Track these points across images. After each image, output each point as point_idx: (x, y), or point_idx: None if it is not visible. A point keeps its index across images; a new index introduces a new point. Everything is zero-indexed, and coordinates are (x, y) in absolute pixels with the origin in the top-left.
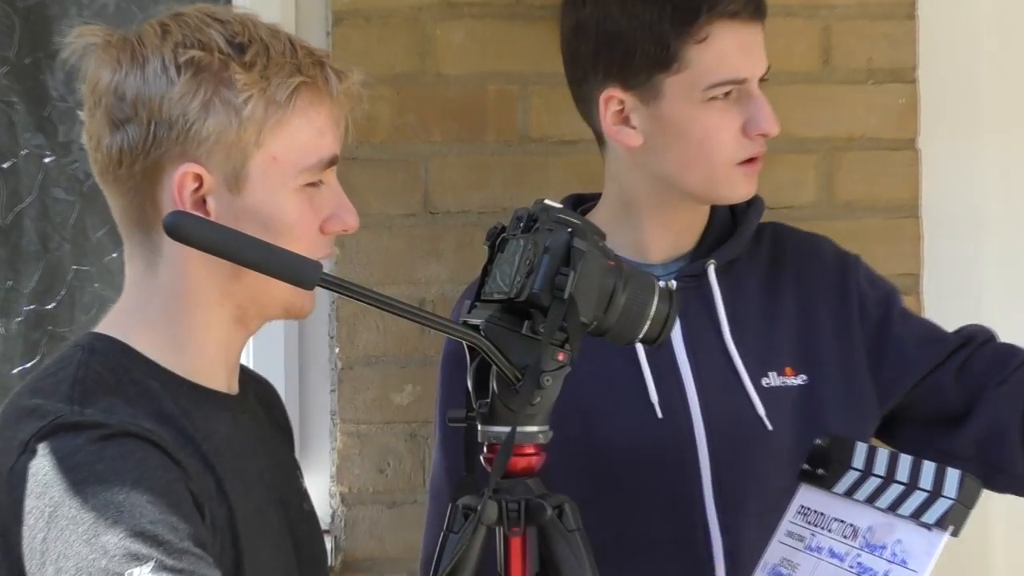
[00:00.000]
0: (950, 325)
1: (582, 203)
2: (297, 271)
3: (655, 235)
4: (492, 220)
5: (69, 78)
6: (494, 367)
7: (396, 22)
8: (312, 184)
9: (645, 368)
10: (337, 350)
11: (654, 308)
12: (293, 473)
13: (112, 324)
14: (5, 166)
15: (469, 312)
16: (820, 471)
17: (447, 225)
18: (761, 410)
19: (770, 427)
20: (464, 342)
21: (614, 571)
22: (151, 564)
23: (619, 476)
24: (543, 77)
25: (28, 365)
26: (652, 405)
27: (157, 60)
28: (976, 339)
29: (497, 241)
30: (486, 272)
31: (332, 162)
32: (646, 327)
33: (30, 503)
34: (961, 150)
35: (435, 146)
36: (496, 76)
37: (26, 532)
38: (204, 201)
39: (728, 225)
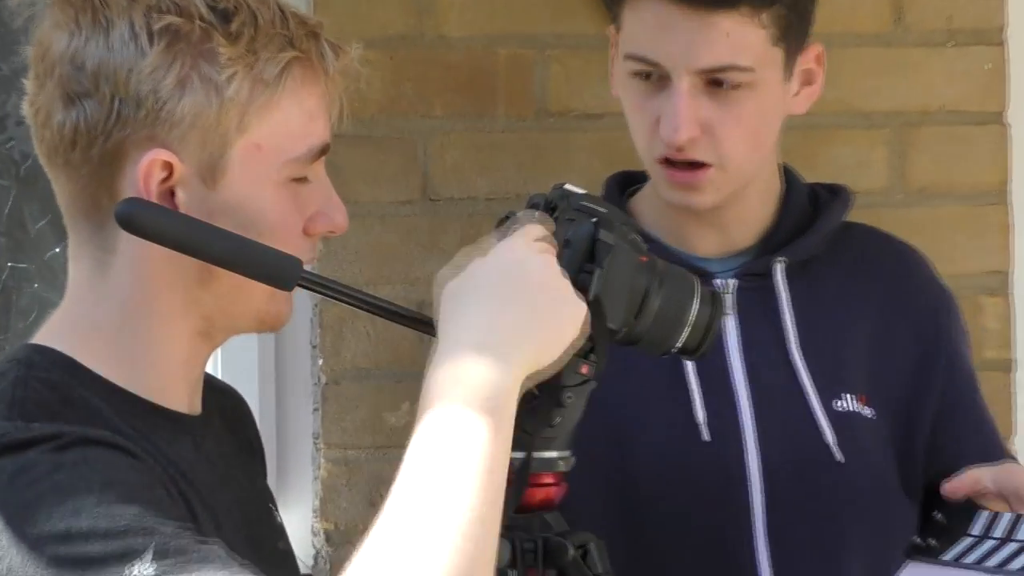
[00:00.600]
0: None
1: (632, 183)
2: (273, 268)
3: (697, 225)
4: (503, 209)
5: (4, 39)
6: None
7: None
8: (298, 179)
9: (692, 382)
10: (320, 362)
11: (694, 312)
12: (266, 506)
13: (54, 334)
14: None
15: None
16: (931, 542)
17: (450, 215)
18: (830, 437)
19: (840, 458)
20: None
21: None
22: (149, 553)
23: (656, 509)
24: (563, 39)
25: None
26: (697, 425)
27: (125, 24)
28: None
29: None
30: None
31: (324, 151)
32: (685, 335)
33: None
34: None
35: (436, 122)
36: (508, 38)
37: None
38: (172, 193)
39: (806, 218)
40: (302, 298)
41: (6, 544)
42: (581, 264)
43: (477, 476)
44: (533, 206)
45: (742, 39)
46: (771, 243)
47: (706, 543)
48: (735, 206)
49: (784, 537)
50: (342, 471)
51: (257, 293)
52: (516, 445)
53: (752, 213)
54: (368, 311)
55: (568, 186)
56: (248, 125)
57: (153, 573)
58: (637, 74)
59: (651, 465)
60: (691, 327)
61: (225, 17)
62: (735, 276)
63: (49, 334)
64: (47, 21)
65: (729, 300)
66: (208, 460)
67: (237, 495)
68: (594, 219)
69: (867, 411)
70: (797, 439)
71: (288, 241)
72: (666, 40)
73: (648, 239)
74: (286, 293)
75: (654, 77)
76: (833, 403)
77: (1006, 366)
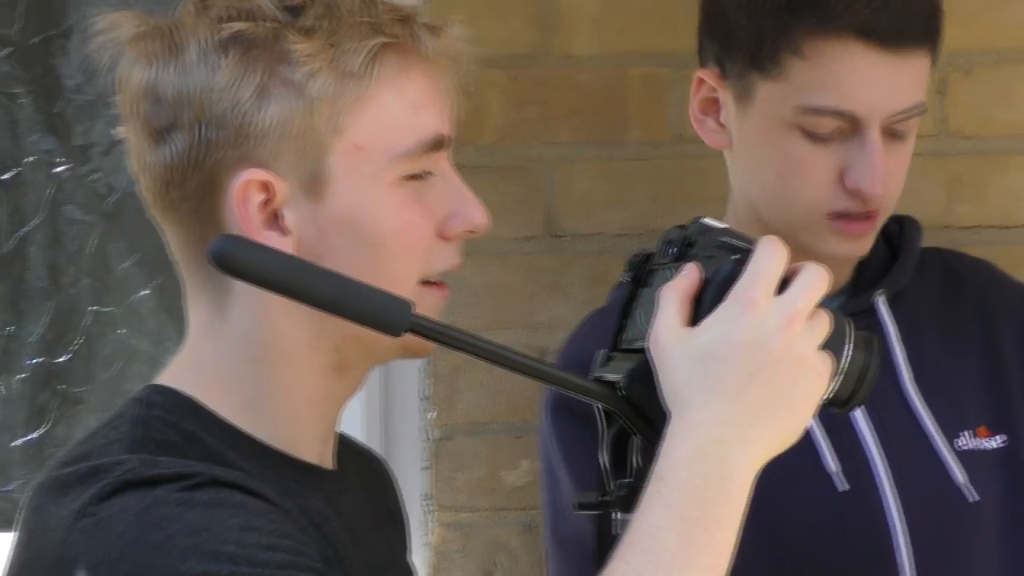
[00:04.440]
0: None
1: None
2: (380, 312)
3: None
4: (635, 245)
5: (89, 62)
6: (636, 438)
7: None
8: (415, 177)
9: (815, 429)
10: (432, 415)
11: (847, 359)
12: (406, 569)
13: (175, 376)
14: (6, 177)
15: (605, 364)
16: None
17: (576, 252)
18: (960, 477)
19: (974, 497)
20: (597, 404)
21: None
22: None
23: (799, 566)
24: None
25: (34, 435)
26: (829, 476)
27: (194, 44)
28: None
29: (642, 272)
30: (627, 313)
31: (438, 144)
32: (836, 384)
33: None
34: None
35: (562, 148)
36: (641, 57)
37: None
38: (277, 216)
39: (884, 252)
40: None
41: None
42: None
43: (717, 551)
44: (669, 242)
45: (923, 73)
46: (864, 279)
47: None
48: None
49: None
50: (455, 536)
51: None
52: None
53: None
54: (485, 360)
55: (707, 220)
56: (343, 125)
57: None
58: (811, 128)
59: (790, 520)
60: (844, 375)
61: (296, 12)
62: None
63: (170, 376)
64: (125, 60)
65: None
66: (342, 517)
67: (372, 560)
68: (735, 256)
69: (995, 441)
70: (930, 482)
71: (420, 246)
72: (863, 88)
73: None
74: (432, 313)
75: (829, 129)
76: (955, 441)
77: None
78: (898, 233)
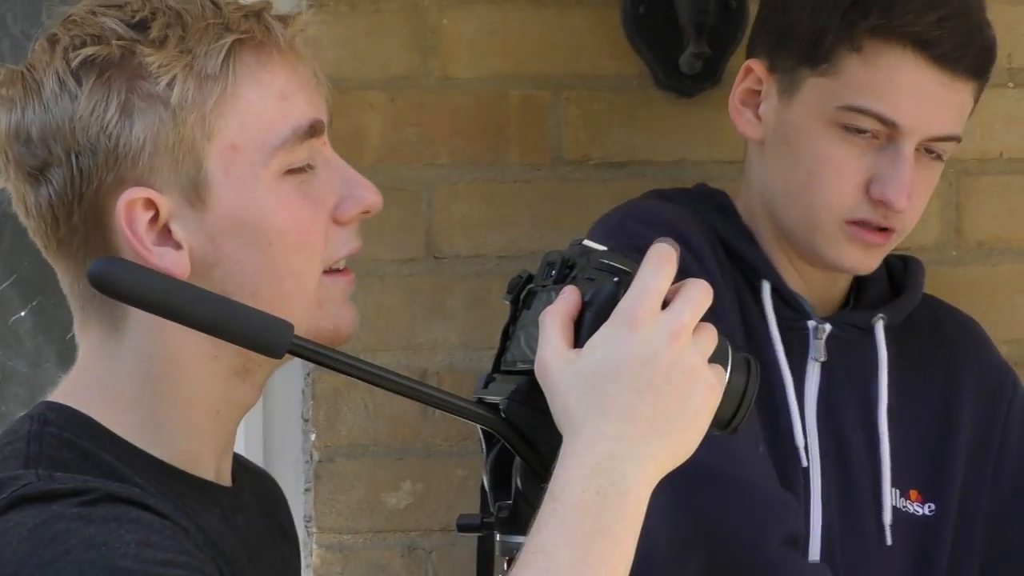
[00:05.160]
0: None
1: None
2: (260, 334)
3: (810, 270)
4: (516, 268)
5: None
6: (517, 459)
7: (391, 8)
8: (298, 170)
9: (794, 421)
10: (313, 437)
11: (726, 380)
12: None
13: (69, 394)
14: None
15: (486, 386)
16: None
17: (456, 274)
18: (887, 518)
19: (889, 541)
20: (479, 427)
21: None
22: None
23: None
24: (582, 80)
25: None
26: (797, 450)
27: (51, 78)
28: None
29: (522, 294)
30: (507, 334)
31: (313, 129)
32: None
33: None
34: None
35: (442, 171)
36: (521, 79)
37: None
38: (169, 232)
39: (884, 282)
40: (293, 367)
41: None
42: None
43: (612, 572)
44: (549, 264)
45: (966, 108)
46: (864, 299)
47: None
48: None
49: None
50: (336, 558)
51: (299, 308)
52: (525, 528)
53: None
54: (366, 381)
55: (587, 242)
56: (213, 128)
57: None
58: (850, 127)
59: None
60: (724, 396)
61: (144, 26)
62: (832, 323)
63: (63, 393)
64: None
65: (819, 348)
66: (238, 534)
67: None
68: (616, 279)
69: (924, 508)
70: (858, 508)
71: (313, 238)
72: (911, 100)
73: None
74: (340, 301)
75: (872, 135)
76: (895, 489)
77: None
78: (902, 269)
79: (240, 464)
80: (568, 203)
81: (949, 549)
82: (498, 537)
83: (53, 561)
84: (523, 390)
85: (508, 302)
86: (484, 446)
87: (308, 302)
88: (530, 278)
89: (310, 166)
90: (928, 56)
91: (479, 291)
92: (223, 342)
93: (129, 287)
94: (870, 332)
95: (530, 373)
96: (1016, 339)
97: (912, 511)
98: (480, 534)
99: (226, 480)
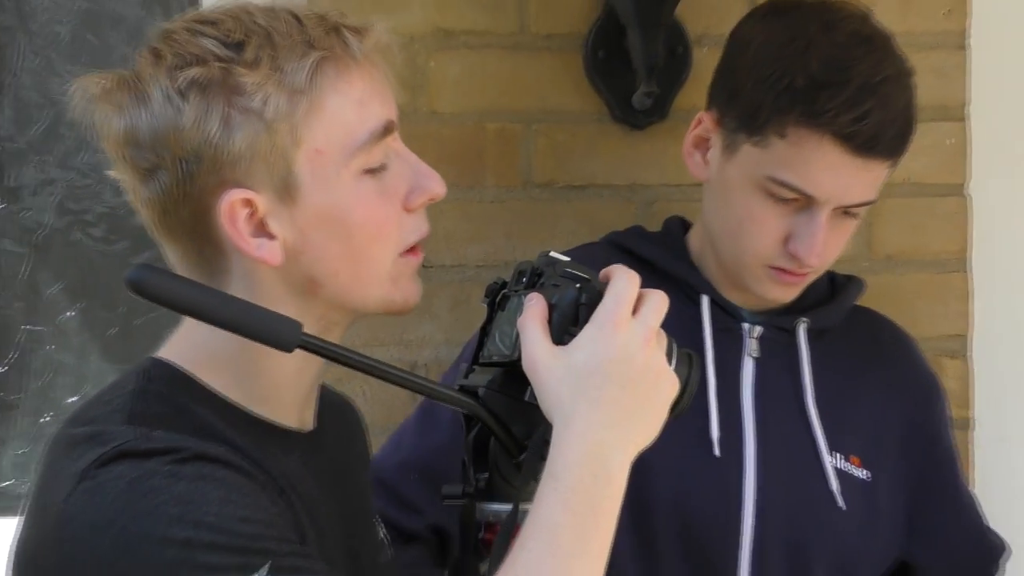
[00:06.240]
0: (1001, 392)
1: (687, 228)
2: (273, 331)
3: (734, 279)
4: (492, 275)
5: (19, 115)
6: (494, 438)
7: None
8: (375, 169)
9: (712, 403)
10: None
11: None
12: (369, 521)
13: (173, 351)
14: None
15: (466, 376)
16: None
17: (441, 280)
18: (835, 485)
19: (842, 505)
20: (460, 411)
21: None
22: (266, 568)
23: (665, 517)
24: (549, 115)
25: None
26: (711, 442)
27: (157, 91)
28: None
29: (497, 298)
30: (485, 332)
31: (387, 130)
32: None
33: (94, 537)
34: (1018, 196)
35: None
36: (496, 114)
37: (91, 573)
38: (264, 226)
39: (825, 293)
40: None
41: (122, 548)
42: (566, 328)
43: (603, 545)
44: (520, 272)
45: (880, 178)
46: (795, 307)
47: (698, 552)
48: None
49: (766, 563)
50: None
51: (374, 286)
52: (503, 497)
53: None
54: (364, 372)
55: (553, 253)
56: (301, 136)
57: None
58: (774, 193)
59: (663, 474)
60: None
61: (239, 48)
62: (763, 325)
63: (168, 350)
64: (99, 112)
65: (753, 345)
66: (314, 475)
67: (342, 509)
68: (578, 285)
69: (862, 473)
70: (801, 480)
71: (390, 226)
72: (827, 179)
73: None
74: (409, 277)
75: (793, 200)
76: (835, 456)
77: (964, 425)
78: (843, 285)
79: (324, 401)
80: (537, 220)
81: (883, 523)
82: (478, 504)
83: (146, 513)
84: (498, 380)
85: (485, 304)
86: (464, 427)
87: (382, 280)
88: (504, 284)
89: (384, 166)
90: (846, 146)
91: (460, 295)
92: (307, 307)
93: (160, 291)
94: (794, 333)
95: (504, 365)
96: (919, 336)
97: (855, 474)
98: (462, 503)
99: (308, 425)
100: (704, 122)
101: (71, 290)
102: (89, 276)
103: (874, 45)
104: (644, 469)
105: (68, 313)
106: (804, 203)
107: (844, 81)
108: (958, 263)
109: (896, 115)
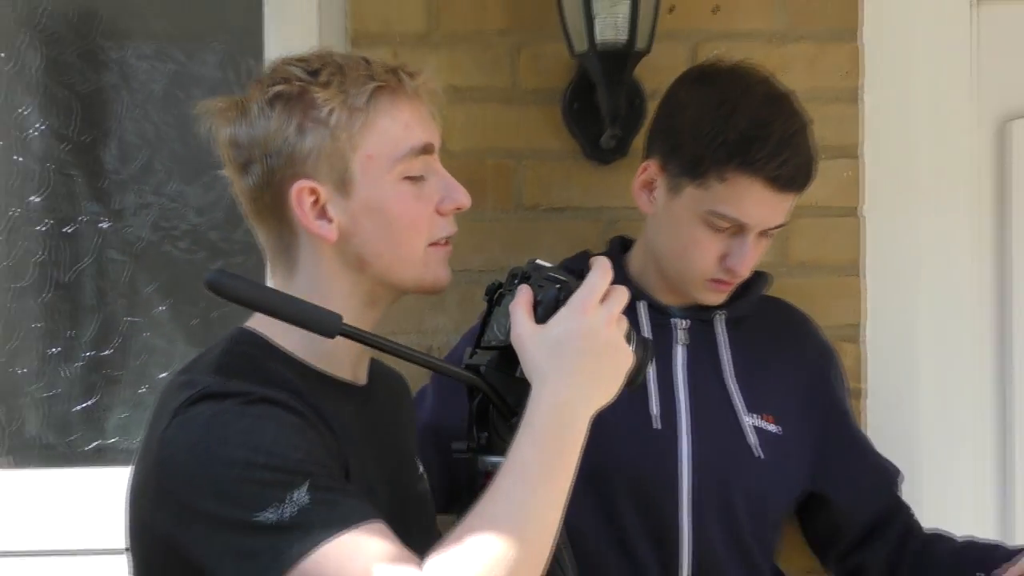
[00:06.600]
0: (888, 369)
1: (628, 246)
2: (316, 321)
3: (670, 289)
4: (490, 278)
5: (123, 153)
6: (492, 406)
7: None
8: (415, 178)
9: (651, 386)
10: None
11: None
12: (411, 461)
13: (256, 321)
14: (67, 230)
15: (471, 357)
16: None
17: (451, 282)
18: (752, 439)
19: (760, 455)
20: (466, 383)
21: (601, 560)
22: (306, 485)
23: (618, 478)
24: (535, 153)
25: (88, 403)
26: (651, 416)
27: (255, 105)
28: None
29: (495, 296)
30: (485, 323)
31: (425, 149)
32: None
33: (181, 455)
34: (899, 217)
35: None
36: (495, 152)
37: (180, 483)
38: (325, 210)
39: (739, 289)
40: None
41: (201, 463)
42: (547, 318)
43: (564, 482)
44: (513, 275)
45: (791, 206)
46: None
47: (647, 508)
48: None
49: (703, 509)
50: None
51: (409, 267)
52: (498, 451)
53: None
54: (392, 354)
55: (538, 261)
56: (357, 142)
57: (307, 499)
58: (713, 224)
59: (617, 446)
60: None
61: (316, 74)
62: (688, 319)
63: (253, 320)
64: (215, 125)
65: (682, 335)
66: (364, 420)
67: (385, 448)
68: (557, 285)
69: (775, 428)
70: (725, 438)
71: (422, 222)
72: (756, 211)
73: (634, 287)
74: (437, 264)
75: (728, 228)
76: (752, 416)
77: (858, 394)
78: (753, 281)
79: (378, 369)
80: (526, 235)
81: (793, 467)
82: (479, 457)
83: (219, 440)
84: (495, 360)
85: (485, 301)
86: (468, 397)
87: (415, 263)
88: (500, 285)
89: (423, 177)
90: (772, 186)
91: (466, 294)
92: (357, 281)
93: (230, 290)
94: (712, 323)
95: (500, 348)
96: (824, 326)
97: (769, 429)
98: (468, 456)
99: (361, 381)
100: (649, 169)
101: (162, 290)
102: (176, 279)
103: (784, 103)
104: (601, 441)
105: (160, 308)
106: (736, 229)
107: (767, 136)
108: (853, 269)
109: (805, 159)
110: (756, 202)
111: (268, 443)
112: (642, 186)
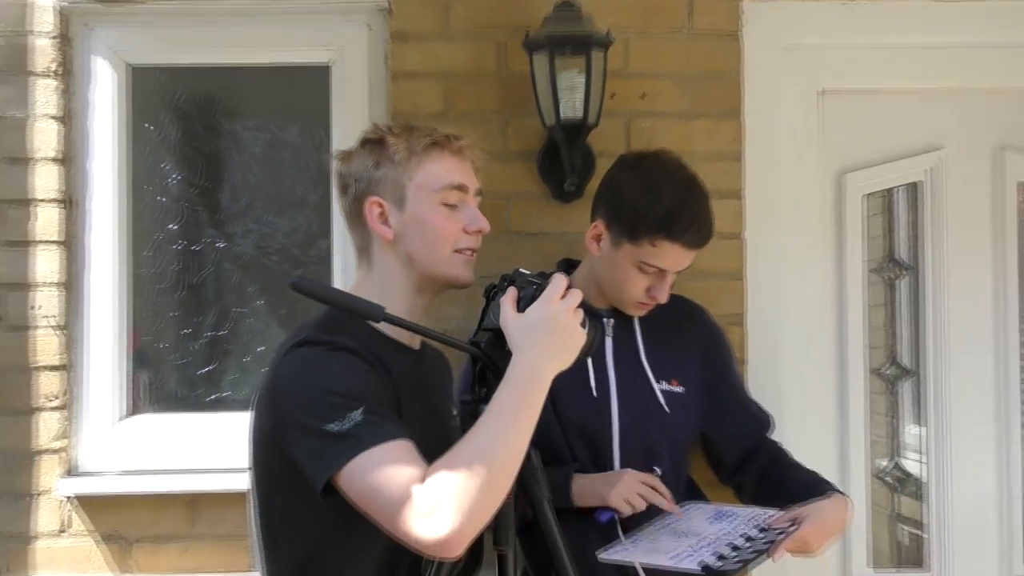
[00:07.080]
0: (763, 345)
1: (572, 264)
2: (366, 310)
3: (604, 298)
4: (488, 281)
5: (232, 195)
6: (489, 371)
7: None
8: (451, 205)
9: (589, 368)
10: None
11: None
12: (448, 406)
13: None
14: (195, 248)
15: (475, 336)
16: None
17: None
18: (661, 399)
19: (668, 410)
20: (471, 354)
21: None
22: (361, 409)
23: (572, 431)
24: (518, 195)
25: (208, 369)
26: (591, 388)
27: (354, 151)
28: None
29: (491, 293)
30: (484, 313)
31: (460, 188)
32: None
33: (285, 380)
34: (770, 240)
35: None
36: (490, 194)
37: (283, 399)
38: (386, 219)
39: None
40: None
41: (296, 386)
42: (526, 309)
43: (531, 420)
44: (503, 279)
45: (696, 255)
46: None
47: (592, 448)
48: None
49: (628, 448)
50: None
51: (441, 265)
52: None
53: None
54: (423, 335)
55: (522, 269)
56: (412, 175)
57: (360, 419)
58: (644, 269)
59: (568, 409)
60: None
61: (391, 129)
62: (613, 318)
63: None
64: (336, 164)
65: (610, 329)
66: (415, 373)
67: (429, 393)
68: (534, 286)
69: (679, 389)
70: (642, 400)
71: (451, 235)
72: (675, 262)
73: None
74: (464, 260)
75: (654, 271)
76: (661, 383)
77: (743, 363)
78: None
79: (429, 346)
80: (513, 253)
81: (692, 414)
82: (481, 405)
83: (309, 372)
84: (492, 339)
85: (484, 297)
86: (472, 364)
87: (443, 262)
88: (494, 286)
89: (456, 206)
90: (686, 247)
91: (472, 293)
92: (409, 273)
93: (308, 290)
94: (631, 320)
95: (495, 330)
96: (717, 314)
97: (675, 391)
98: (472, 405)
99: (416, 347)
100: (598, 227)
101: (260, 290)
102: (270, 282)
103: (694, 186)
104: (562, 407)
105: (258, 302)
106: (659, 272)
107: (684, 213)
108: (738, 275)
109: (708, 226)
110: (675, 257)
111: (340, 377)
112: (593, 238)
